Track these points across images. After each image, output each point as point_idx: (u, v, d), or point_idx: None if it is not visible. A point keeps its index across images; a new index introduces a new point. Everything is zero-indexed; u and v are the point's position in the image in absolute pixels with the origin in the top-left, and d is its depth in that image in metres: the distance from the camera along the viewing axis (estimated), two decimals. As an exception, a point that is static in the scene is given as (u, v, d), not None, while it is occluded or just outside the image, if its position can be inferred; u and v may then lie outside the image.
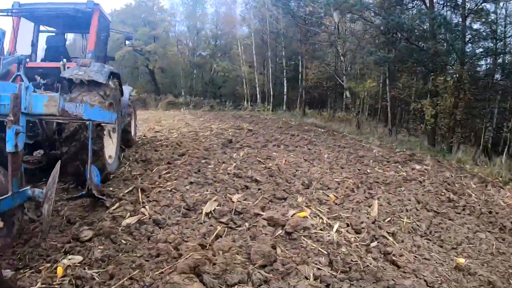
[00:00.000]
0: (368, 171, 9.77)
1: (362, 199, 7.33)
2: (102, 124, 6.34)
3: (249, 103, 29.40)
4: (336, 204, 6.93)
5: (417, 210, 7.30)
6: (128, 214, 5.94)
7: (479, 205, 8.15)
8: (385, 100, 23.41)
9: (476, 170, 12.84)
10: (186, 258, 4.47)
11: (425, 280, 4.85)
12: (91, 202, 6.15)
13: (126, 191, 6.98)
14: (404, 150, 14.17)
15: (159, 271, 4.34)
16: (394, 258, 5.24)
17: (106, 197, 6.44)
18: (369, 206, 6.97)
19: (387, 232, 5.95)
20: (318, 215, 6.15)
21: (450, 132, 19.01)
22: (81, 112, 5.13)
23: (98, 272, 4.18)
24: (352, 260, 4.91)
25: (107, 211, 5.97)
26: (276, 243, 5.30)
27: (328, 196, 7.23)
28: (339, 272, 4.75)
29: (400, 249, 5.51)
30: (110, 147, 7.94)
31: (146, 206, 6.21)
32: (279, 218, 5.76)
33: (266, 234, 5.40)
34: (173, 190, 7.12)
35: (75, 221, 5.58)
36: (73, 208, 6.11)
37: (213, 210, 6.27)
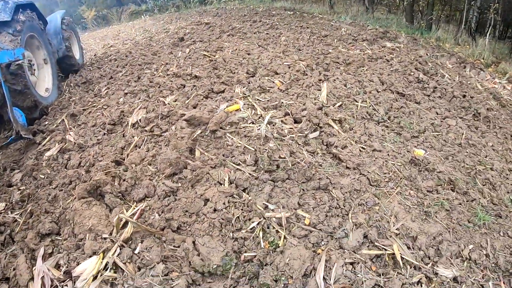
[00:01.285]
0: (330, 51, 8.44)
1: (314, 82, 6.18)
2: (17, 63, 5.70)
3: (216, -5, 26.83)
4: (280, 91, 5.81)
5: (378, 92, 6.18)
6: (56, 145, 5.27)
7: (452, 88, 6.95)
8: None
9: (456, 50, 11.50)
10: (87, 182, 4.00)
11: (368, 178, 3.93)
12: (26, 143, 5.67)
13: (59, 121, 6.13)
14: (377, 27, 12.69)
15: (70, 199, 3.99)
16: (335, 150, 4.28)
17: (37, 133, 5.93)
18: (320, 90, 5.89)
19: (333, 119, 4.92)
20: (253, 107, 5.08)
21: (429, 8, 17.27)
22: None
23: (20, 213, 4.03)
24: (280, 157, 3.95)
25: (37, 148, 5.40)
26: (194, 145, 4.33)
27: (273, 82, 6.09)
28: (262, 172, 3.82)
29: (346, 139, 4.52)
30: (46, 79, 7.33)
31: (71, 132, 5.55)
32: (202, 116, 4.70)
33: (182, 137, 4.39)
34: (104, 107, 6.21)
35: (10, 167, 5.14)
36: (8, 155, 5.56)
37: (140, 120, 5.39)
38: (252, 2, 20.34)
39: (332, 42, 9.22)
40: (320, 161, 4.07)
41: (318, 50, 8.35)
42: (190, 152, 4.27)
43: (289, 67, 6.84)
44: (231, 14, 16.08)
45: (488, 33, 14.41)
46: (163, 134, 4.93)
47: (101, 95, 6.96)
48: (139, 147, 4.73)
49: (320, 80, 6.44)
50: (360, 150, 4.39)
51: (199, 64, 7.47)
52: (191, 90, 6.02)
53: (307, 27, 11.26)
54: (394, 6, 21.85)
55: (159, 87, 6.43)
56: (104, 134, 5.37)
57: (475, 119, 6.19)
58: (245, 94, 5.52)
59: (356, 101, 5.67)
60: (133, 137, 4.99)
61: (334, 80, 6.41)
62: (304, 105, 5.22)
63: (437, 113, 6.01)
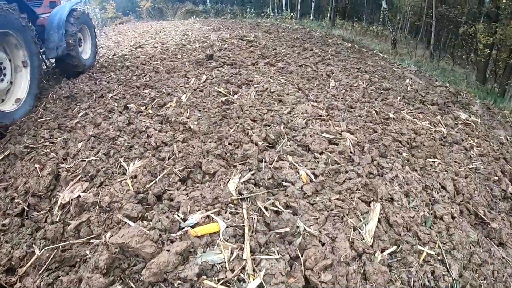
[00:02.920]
0: (390, 116, 5.94)
1: (361, 184, 3.75)
2: None
3: (275, 11, 24.21)
4: (303, 195, 3.43)
5: (453, 219, 3.70)
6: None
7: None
8: (430, 17, 18.13)
9: (537, 128, 8.82)
10: None
11: None
12: None
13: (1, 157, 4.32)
14: (447, 85, 10.01)
15: None
16: None
17: None
18: (368, 203, 3.46)
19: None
20: (242, 236, 2.73)
21: (507, 71, 14.05)
22: None
23: None
24: None
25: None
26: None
27: (297, 173, 3.69)
28: None
29: None
30: (22, 87, 5.61)
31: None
32: (141, 248, 2.44)
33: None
34: (51, 155, 4.15)
35: None
36: None
37: (72, 201, 3.36)
38: (309, 24, 17.93)
39: (394, 101, 6.69)
40: None
41: (377, 113, 5.87)
42: None
43: (329, 143, 4.46)
44: (283, 34, 13.78)
45: None
46: (91, 241, 2.73)
47: (66, 127, 4.92)
48: (39, 266, 2.61)
49: (370, 174, 4.03)
50: None
51: (205, 106, 5.21)
52: (168, 159, 3.74)
53: (365, 71, 8.72)
54: (460, 58, 18.86)
55: (134, 138, 4.24)
56: (21, 212, 3.42)
57: None
58: (241, 194, 3.17)
59: (419, 240, 3.23)
60: (43, 238, 2.93)
61: (392, 179, 3.96)
62: (332, 242, 2.87)
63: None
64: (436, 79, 10.83)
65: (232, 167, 3.70)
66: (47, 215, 3.35)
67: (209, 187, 3.27)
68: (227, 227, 2.74)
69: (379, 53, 13.13)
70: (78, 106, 5.56)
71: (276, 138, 4.37)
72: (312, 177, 3.62)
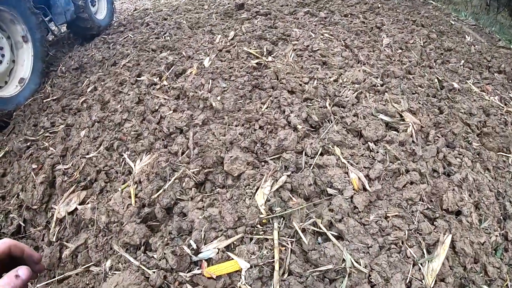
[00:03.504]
0: (455, 86, 4.85)
1: (426, 192, 2.90)
2: None
3: None
4: (353, 211, 2.64)
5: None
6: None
7: None
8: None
9: None
10: None
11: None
12: None
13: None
14: (511, 46, 8.63)
15: None
16: None
17: None
18: (432, 221, 2.68)
19: None
20: (270, 275, 2.04)
21: None
22: None
23: None
24: None
25: None
26: None
27: (347, 175, 2.87)
28: None
29: None
30: (25, 65, 5.15)
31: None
32: None
33: None
34: (49, 151, 3.64)
35: None
36: None
37: (68, 216, 2.87)
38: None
39: (458, 67, 5.58)
40: None
41: (440, 82, 4.86)
42: None
43: (387, 126, 3.58)
44: (325, -25, 12.28)
45: None
46: (91, 269, 2.25)
47: (71, 109, 4.38)
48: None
49: (435, 172, 3.20)
50: None
51: (232, 73, 4.35)
52: (181, 155, 3.00)
53: (422, 24, 7.49)
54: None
55: (142, 121, 3.55)
56: (17, 229, 3.10)
57: None
58: (273, 210, 2.44)
59: (487, 275, 2.56)
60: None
61: (461, 182, 3.10)
62: (385, 283, 2.20)
63: None
64: (498, 37, 9.40)
65: (262, 163, 2.94)
66: (44, 232, 2.92)
67: (230, 199, 2.54)
68: (250, 267, 2.03)
69: (431, 1, 11.61)
70: (87, 79, 5.01)
71: (321, 119, 3.54)
72: (366, 182, 2.81)
